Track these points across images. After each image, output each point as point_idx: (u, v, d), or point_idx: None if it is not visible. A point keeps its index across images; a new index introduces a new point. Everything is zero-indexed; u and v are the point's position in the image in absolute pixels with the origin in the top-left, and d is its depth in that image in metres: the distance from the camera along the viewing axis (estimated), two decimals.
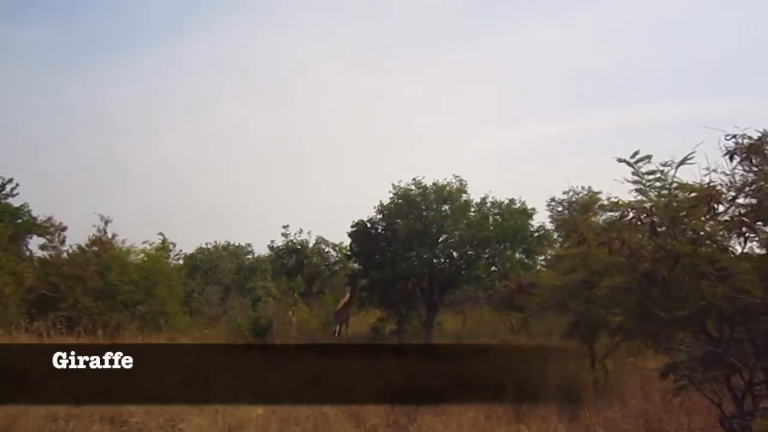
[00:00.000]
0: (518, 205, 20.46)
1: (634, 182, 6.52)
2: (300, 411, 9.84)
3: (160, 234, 20.44)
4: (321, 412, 9.66)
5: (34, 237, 21.75)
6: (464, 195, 20.37)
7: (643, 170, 6.45)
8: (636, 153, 6.56)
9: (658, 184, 6.41)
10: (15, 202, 21.82)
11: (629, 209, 6.33)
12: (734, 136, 6.09)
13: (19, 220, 21.49)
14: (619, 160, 6.61)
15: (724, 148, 6.11)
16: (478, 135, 54.17)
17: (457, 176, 20.50)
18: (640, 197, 6.45)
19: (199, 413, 9.21)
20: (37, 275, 16.73)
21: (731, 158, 6.10)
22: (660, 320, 6.29)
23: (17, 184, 21.84)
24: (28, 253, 21.16)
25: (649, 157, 6.52)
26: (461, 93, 58.06)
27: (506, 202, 20.57)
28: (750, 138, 6.08)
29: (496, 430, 8.68)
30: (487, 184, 44.06)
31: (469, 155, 48.81)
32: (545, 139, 51.72)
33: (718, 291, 5.87)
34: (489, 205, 20.64)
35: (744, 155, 5.97)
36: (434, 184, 20.29)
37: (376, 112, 58.13)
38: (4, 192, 21.72)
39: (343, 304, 20.71)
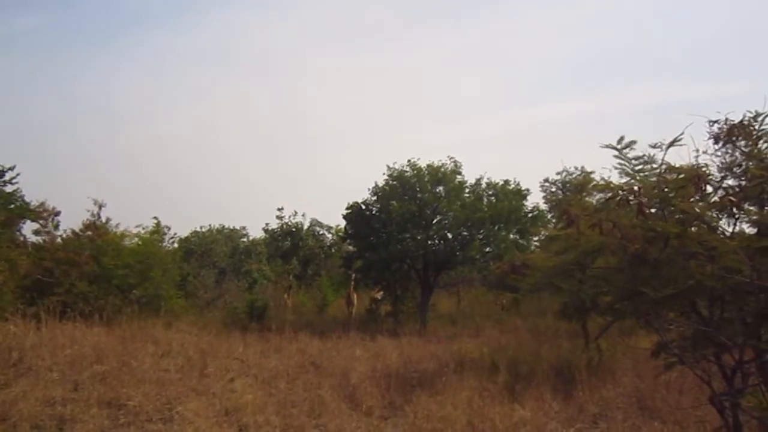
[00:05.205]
0: (512, 186, 20.50)
1: (620, 165, 6.57)
2: (297, 394, 9.93)
3: (155, 217, 20.34)
4: (317, 394, 9.75)
5: (28, 222, 21.62)
6: (459, 176, 20.41)
7: (630, 155, 6.51)
8: (621, 139, 6.62)
9: (640, 167, 6.46)
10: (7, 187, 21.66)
11: (620, 190, 6.38)
12: (716, 122, 6.14)
13: (12, 206, 21.34)
14: (604, 146, 6.66)
15: (708, 133, 6.17)
16: (473, 118, 54.32)
17: (451, 158, 20.58)
18: (627, 179, 6.50)
19: (196, 396, 9.28)
20: (32, 261, 16.64)
21: (716, 142, 6.15)
22: (649, 300, 6.34)
23: (18, 174, 21.65)
24: (22, 239, 21.03)
25: (633, 142, 6.59)
26: (456, 77, 58.25)
27: (501, 183, 20.62)
28: (732, 121, 6.13)
29: (491, 410, 8.75)
30: (481, 166, 44.09)
31: (463, 137, 48.93)
32: (540, 122, 51.91)
33: (707, 270, 5.91)
34: (483, 186, 20.69)
35: (726, 138, 6.02)
36: (429, 165, 20.31)
37: (371, 95, 58.17)
38: (3, 179, 21.53)
39: (349, 291, 20.71)
